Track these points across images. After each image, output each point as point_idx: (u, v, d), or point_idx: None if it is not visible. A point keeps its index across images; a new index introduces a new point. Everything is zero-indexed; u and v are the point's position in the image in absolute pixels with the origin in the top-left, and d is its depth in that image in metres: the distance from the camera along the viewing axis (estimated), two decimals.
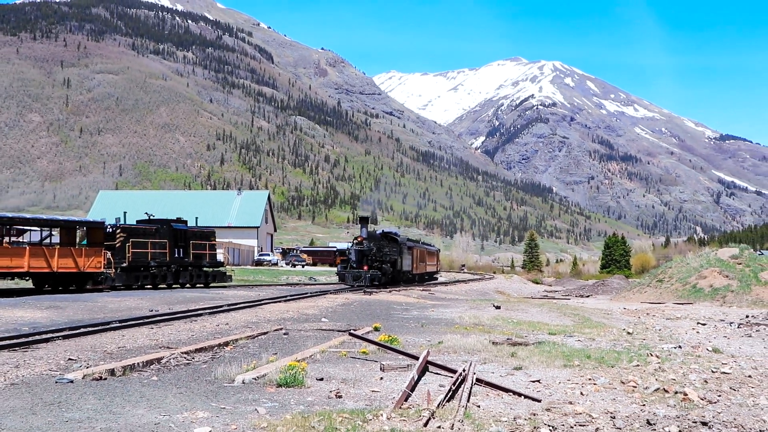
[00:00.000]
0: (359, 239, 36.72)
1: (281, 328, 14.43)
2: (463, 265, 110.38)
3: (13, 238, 30.92)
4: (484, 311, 22.05)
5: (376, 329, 14.62)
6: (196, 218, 40.75)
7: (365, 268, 35.37)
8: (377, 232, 40.21)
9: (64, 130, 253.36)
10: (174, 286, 31.79)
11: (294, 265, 70.17)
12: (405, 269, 41.76)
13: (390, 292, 32.34)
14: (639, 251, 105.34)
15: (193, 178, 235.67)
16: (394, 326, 15.98)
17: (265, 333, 13.58)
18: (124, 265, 28.85)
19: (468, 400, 7.03)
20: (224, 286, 33.70)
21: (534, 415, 6.63)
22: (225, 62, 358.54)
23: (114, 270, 27.95)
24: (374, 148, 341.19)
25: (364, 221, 38.81)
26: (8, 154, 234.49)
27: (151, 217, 34.08)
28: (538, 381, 8.64)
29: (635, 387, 8.30)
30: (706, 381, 8.84)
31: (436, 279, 60.46)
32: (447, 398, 7.08)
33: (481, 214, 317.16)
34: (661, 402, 7.51)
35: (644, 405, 7.37)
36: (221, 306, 19.39)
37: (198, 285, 33.29)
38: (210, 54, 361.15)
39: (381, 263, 36.23)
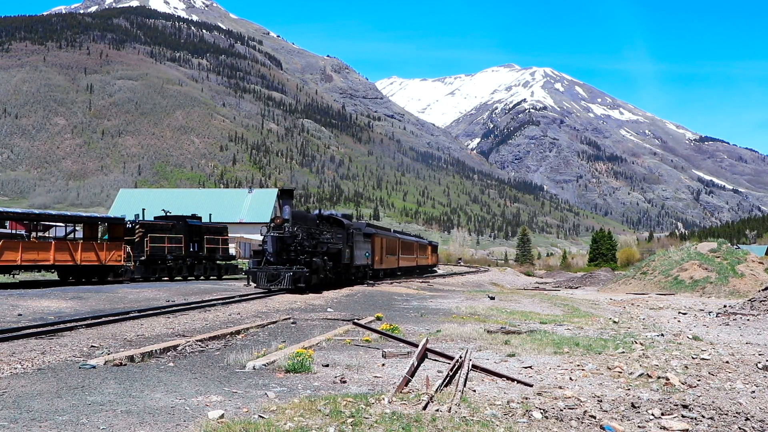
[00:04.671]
0: (278, 221, 23.28)
1: (289, 318, 14.42)
2: (460, 259, 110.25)
3: (40, 234, 31.00)
4: (479, 302, 22.03)
5: (379, 318, 14.62)
6: (210, 214, 40.70)
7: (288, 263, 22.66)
8: (313, 213, 27.34)
9: (87, 132, 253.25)
10: (189, 278, 31.78)
11: None
12: (359, 263, 30.51)
13: (391, 284, 32.39)
14: (624, 245, 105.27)
15: (207, 177, 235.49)
16: (395, 316, 15.97)
17: (274, 322, 13.58)
18: (143, 258, 28.87)
19: (464, 385, 7.02)
20: (236, 278, 33.69)
21: (526, 398, 6.62)
22: (237, 69, 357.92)
23: (133, 263, 27.99)
24: (376, 149, 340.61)
25: (286, 195, 24.12)
26: (35, 155, 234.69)
27: (168, 214, 34.06)
28: (530, 367, 8.62)
29: (621, 372, 8.28)
30: (686, 367, 8.82)
31: (435, 272, 60.54)
32: (445, 383, 7.07)
33: (477, 210, 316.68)
34: (645, 386, 7.50)
35: (629, 389, 7.35)
36: (233, 297, 19.38)
37: (212, 277, 33.28)
38: (223, 61, 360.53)
39: (312, 255, 23.30)
